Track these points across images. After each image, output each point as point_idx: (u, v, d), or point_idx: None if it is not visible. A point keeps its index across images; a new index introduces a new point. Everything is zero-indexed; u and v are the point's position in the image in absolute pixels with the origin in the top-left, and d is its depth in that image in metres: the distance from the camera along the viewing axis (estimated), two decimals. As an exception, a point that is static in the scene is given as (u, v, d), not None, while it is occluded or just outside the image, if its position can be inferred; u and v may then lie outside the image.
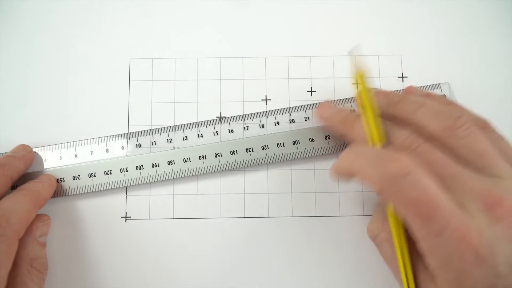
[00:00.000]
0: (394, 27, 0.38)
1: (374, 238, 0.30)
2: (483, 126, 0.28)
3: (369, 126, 0.29)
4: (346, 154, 0.28)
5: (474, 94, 0.37)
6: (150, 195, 0.35)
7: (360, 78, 0.30)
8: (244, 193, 0.35)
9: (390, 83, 0.37)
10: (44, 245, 0.32)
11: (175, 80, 0.37)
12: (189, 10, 0.38)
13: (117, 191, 0.35)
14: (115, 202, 0.35)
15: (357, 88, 0.30)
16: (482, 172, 0.25)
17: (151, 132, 0.35)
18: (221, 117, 0.36)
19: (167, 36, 0.38)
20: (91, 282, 0.34)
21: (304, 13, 0.38)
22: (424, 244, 0.24)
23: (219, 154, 0.35)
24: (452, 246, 0.23)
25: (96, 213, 0.35)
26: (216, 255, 0.34)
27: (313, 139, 0.35)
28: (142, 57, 0.37)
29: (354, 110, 0.35)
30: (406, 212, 0.24)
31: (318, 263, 0.34)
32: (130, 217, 0.35)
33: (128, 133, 0.35)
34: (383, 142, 0.28)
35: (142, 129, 0.36)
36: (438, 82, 0.36)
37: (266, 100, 0.37)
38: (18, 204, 0.30)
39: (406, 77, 0.37)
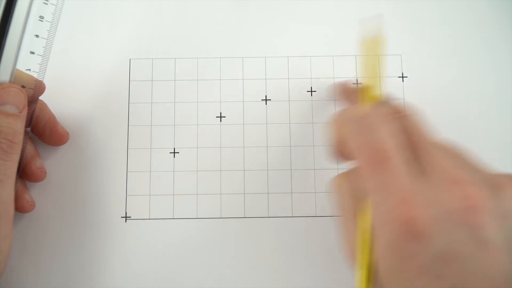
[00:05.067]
0: (394, 27, 0.39)
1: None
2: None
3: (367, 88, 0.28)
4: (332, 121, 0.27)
5: (476, 95, 0.38)
6: (150, 195, 0.36)
7: (373, 45, 0.28)
8: (244, 193, 0.36)
9: (390, 83, 0.38)
10: (7, 114, 0.30)
11: (175, 80, 0.38)
12: (189, 10, 0.39)
13: (117, 191, 0.36)
14: (115, 202, 0.36)
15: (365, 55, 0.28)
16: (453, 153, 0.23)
17: None
18: (221, 117, 0.38)
19: (167, 36, 0.39)
20: (91, 282, 0.35)
21: (304, 13, 0.39)
22: (369, 197, 0.22)
23: None
24: (387, 208, 0.20)
25: (96, 213, 0.36)
26: (216, 255, 0.35)
27: None
28: (142, 57, 0.38)
29: None
30: (358, 157, 0.23)
31: (318, 263, 0.35)
32: (130, 217, 0.36)
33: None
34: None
35: (142, 129, 0.37)
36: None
37: (266, 100, 0.38)
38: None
39: (406, 77, 0.38)
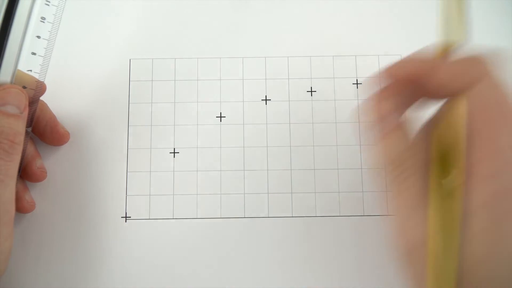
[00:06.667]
0: (394, 27, 0.40)
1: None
2: None
3: None
4: (459, 61, 0.25)
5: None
6: (150, 195, 0.37)
7: None
8: (244, 193, 0.37)
9: (390, 83, 0.39)
10: (9, 115, 0.30)
11: (175, 80, 0.39)
12: (189, 10, 0.40)
13: (117, 191, 0.37)
14: (115, 202, 0.36)
15: None
16: None
17: None
18: (221, 117, 0.38)
19: (167, 36, 0.39)
20: (91, 282, 0.35)
21: (304, 13, 0.40)
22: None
23: None
24: None
25: (96, 213, 0.36)
26: (216, 255, 0.36)
27: None
28: (142, 57, 0.39)
29: None
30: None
31: (318, 263, 0.36)
32: (130, 217, 0.36)
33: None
34: None
35: (142, 129, 0.38)
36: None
37: (266, 100, 0.38)
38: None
39: (406, 77, 0.39)
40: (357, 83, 0.39)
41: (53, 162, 0.37)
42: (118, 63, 0.39)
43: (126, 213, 0.36)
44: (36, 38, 0.30)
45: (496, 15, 0.40)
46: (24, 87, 0.31)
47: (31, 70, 0.31)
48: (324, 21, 0.40)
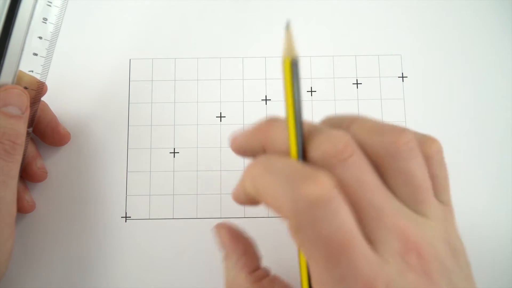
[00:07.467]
0: (394, 27, 0.40)
1: None
2: (429, 145, 0.23)
3: (288, 130, 0.21)
4: (249, 169, 0.22)
5: (476, 94, 0.39)
6: (150, 195, 0.37)
7: (288, 66, 0.21)
8: (244, 193, 0.37)
9: (390, 83, 0.39)
10: (10, 116, 0.30)
11: (175, 80, 0.39)
12: (189, 10, 0.40)
13: (117, 191, 0.37)
14: (115, 202, 0.37)
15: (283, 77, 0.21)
16: (409, 205, 0.22)
17: None
18: (221, 117, 0.39)
19: (167, 36, 0.40)
20: (91, 281, 0.35)
21: (304, 13, 0.40)
22: (320, 286, 0.20)
23: None
24: None
25: (96, 213, 0.37)
26: (216, 255, 0.36)
27: None
28: (142, 57, 0.39)
29: None
30: (312, 251, 0.20)
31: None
32: (130, 217, 0.37)
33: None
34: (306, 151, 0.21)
35: (142, 129, 0.38)
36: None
37: (266, 100, 0.39)
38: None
39: (406, 77, 0.39)
40: (357, 83, 0.39)
41: (54, 162, 0.37)
42: (118, 63, 0.39)
43: (126, 213, 0.37)
44: (38, 38, 0.30)
45: (496, 15, 0.40)
46: (26, 88, 0.31)
47: (32, 71, 0.31)
48: (324, 21, 0.40)
